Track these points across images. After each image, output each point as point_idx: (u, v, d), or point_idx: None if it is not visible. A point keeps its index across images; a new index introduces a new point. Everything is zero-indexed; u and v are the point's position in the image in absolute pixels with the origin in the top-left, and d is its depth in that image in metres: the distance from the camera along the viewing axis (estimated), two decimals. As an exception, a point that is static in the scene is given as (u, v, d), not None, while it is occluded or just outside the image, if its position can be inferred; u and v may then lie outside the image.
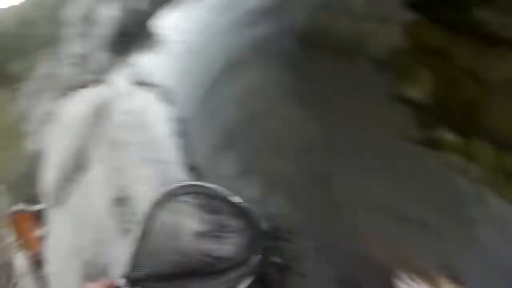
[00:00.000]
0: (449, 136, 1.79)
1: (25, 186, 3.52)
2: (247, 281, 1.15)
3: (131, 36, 3.70)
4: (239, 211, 1.26)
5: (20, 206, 3.90)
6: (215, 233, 1.15)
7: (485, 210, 1.64)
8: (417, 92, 1.94)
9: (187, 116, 2.45)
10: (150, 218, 1.19)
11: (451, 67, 1.98)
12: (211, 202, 1.26)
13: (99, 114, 2.68)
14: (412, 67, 2.03)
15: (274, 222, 1.66)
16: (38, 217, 3.57)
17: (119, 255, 2.14)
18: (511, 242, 1.54)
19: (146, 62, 3.12)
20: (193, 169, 2.15)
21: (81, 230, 2.62)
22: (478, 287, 1.46)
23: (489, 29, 1.91)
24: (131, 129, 2.48)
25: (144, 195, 2.23)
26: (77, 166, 2.79)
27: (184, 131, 2.39)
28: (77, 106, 2.94)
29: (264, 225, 1.46)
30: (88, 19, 4.12)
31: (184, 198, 1.25)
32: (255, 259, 1.19)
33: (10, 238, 3.90)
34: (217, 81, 2.50)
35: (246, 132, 2.17)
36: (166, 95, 2.65)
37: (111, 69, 3.24)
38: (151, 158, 2.31)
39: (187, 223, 1.16)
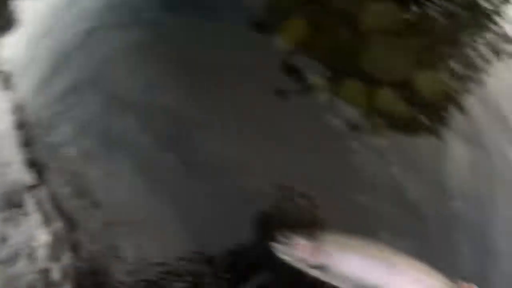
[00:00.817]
0: (321, 80, 1.72)
1: None
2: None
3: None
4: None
5: None
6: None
7: (359, 142, 1.62)
8: (289, 40, 1.80)
9: (28, 103, 1.91)
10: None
11: (325, 14, 1.93)
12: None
13: None
14: (284, 15, 1.92)
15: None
16: None
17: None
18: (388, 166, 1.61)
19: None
20: (34, 166, 1.66)
21: None
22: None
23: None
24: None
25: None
26: None
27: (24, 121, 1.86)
28: None
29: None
30: None
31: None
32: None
33: None
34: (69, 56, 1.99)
35: (89, 91, 1.76)
36: (7, 81, 2.07)
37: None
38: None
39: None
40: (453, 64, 1.85)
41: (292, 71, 1.70)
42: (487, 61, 1.96)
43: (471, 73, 1.87)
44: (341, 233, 1.31)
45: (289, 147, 1.58)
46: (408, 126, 1.71)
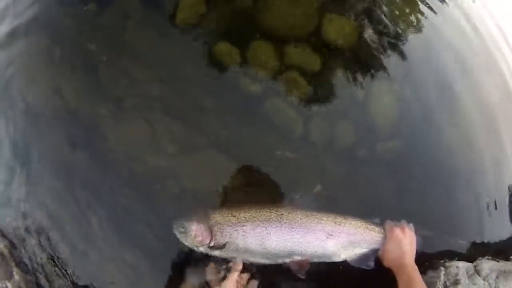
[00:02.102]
0: (227, 47, 1.67)
1: None
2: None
3: None
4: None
5: None
6: None
7: (278, 101, 1.60)
8: (187, 15, 1.73)
9: None
10: None
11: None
12: None
13: None
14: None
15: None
16: None
17: None
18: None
19: None
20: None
21: None
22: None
23: None
24: None
25: None
26: None
27: None
28: None
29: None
30: None
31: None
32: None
33: None
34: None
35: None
36: None
37: None
38: None
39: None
40: (359, 6, 1.80)
41: (196, 45, 1.67)
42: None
43: (381, 12, 1.82)
44: (235, 207, 1.29)
45: (209, 120, 1.57)
46: (324, 77, 1.68)
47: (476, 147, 1.88)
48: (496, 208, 1.82)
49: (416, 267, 1.27)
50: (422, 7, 1.90)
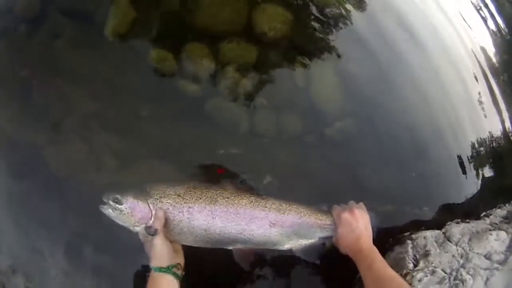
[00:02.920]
0: (162, 53, 1.64)
1: None
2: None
3: None
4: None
5: None
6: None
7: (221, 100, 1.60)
8: (118, 26, 1.70)
9: None
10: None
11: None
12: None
13: None
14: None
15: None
16: None
17: None
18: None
19: None
20: None
21: None
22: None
23: None
24: None
25: None
26: None
27: None
28: None
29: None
30: None
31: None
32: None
33: None
34: None
35: None
36: None
37: None
38: None
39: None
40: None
41: (130, 55, 1.65)
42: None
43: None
44: (178, 184, 1.18)
45: (150, 130, 1.55)
46: (263, 69, 1.66)
47: (431, 114, 1.88)
48: (465, 173, 1.82)
49: (374, 248, 1.19)
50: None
